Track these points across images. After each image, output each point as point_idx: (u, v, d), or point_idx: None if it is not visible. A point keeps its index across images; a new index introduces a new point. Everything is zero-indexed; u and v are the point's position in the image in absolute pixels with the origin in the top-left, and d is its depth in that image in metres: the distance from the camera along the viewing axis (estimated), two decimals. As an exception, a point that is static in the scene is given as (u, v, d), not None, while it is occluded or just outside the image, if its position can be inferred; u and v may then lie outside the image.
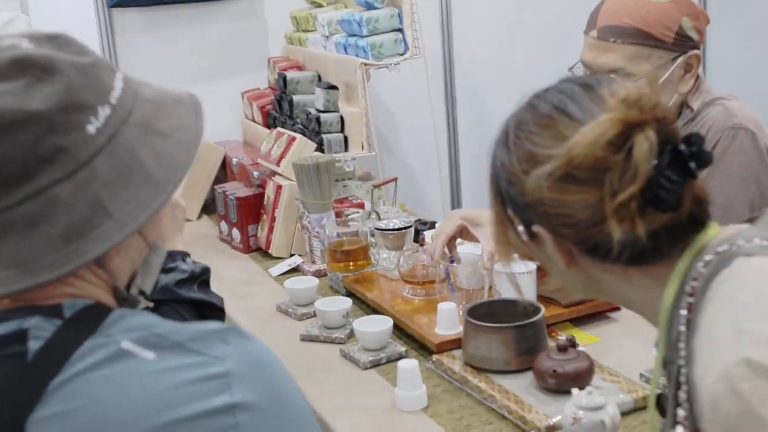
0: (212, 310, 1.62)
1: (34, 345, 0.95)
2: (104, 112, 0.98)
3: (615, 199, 1.04)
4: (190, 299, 1.58)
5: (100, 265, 1.02)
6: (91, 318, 0.98)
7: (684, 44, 1.99)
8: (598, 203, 1.05)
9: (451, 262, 2.01)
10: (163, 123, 1.04)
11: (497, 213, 1.18)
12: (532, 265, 1.96)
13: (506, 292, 1.94)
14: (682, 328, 1.06)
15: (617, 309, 2.01)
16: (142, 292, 1.11)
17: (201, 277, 1.63)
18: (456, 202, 3.69)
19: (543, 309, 1.79)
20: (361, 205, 2.57)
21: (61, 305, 0.98)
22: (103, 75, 1.01)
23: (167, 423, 0.93)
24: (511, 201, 1.14)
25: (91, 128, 0.97)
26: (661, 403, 1.17)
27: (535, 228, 1.12)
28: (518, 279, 1.93)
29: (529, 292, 1.94)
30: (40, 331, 0.96)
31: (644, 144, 1.03)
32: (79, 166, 0.96)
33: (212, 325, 1.01)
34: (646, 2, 1.99)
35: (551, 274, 1.22)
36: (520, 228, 1.14)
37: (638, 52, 1.98)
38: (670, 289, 1.08)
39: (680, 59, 1.99)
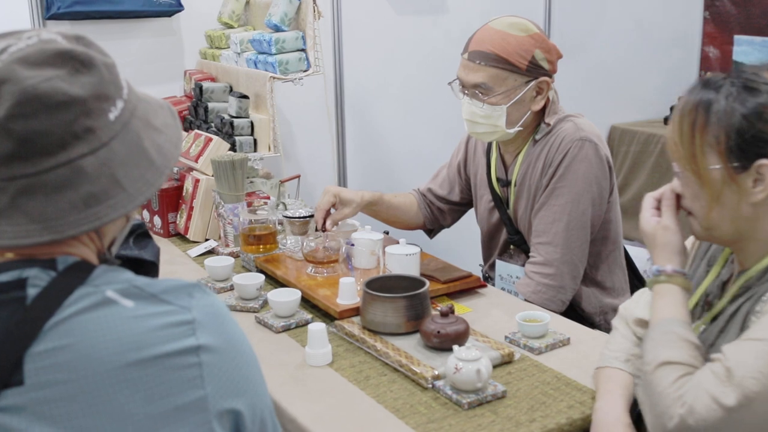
0: (144, 264, 1.58)
1: (32, 291, 0.98)
2: (120, 104, 1.03)
3: None
4: (120, 256, 1.54)
5: (97, 231, 1.06)
6: (81, 271, 1.01)
7: (536, 71, 2.12)
8: None
9: (351, 245, 2.09)
10: (157, 120, 1.09)
11: (706, 153, 1.33)
12: (416, 249, 2.07)
13: (396, 270, 2.02)
14: None
15: (484, 286, 2.14)
16: (113, 256, 1.15)
17: (134, 233, 1.58)
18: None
19: (427, 282, 1.88)
20: (267, 198, 2.62)
21: (55, 259, 1.01)
22: (119, 74, 1.06)
23: (144, 359, 0.97)
24: (754, 136, 1.29)
25: (112, 116, 1.02)
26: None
27: (761, 162, 1.28)
28: (405, 259, 2.03)
29: (413, 270, 2.03)
30: (37, 280, 0.99)
31: None
32: (102, 145, 1.00)
33: (180, 281, 1.06)
34: (507, 35, 2.12)
35: (717, 208, 1.35)
36: (736, 163, 1.30)
37: (498, 74, 2.10)
38: None
39: (532, 83, 2.12)
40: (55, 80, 0.98)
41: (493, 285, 2.36)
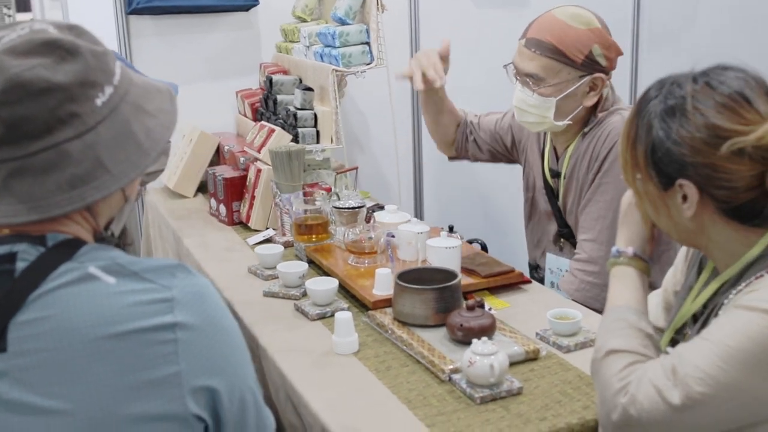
0: None
1: (21, 265, 1.04)
2: (109, 90, 1.08)
3: None
4: None
5: (89, 210, 1.12)
6: (68, 248, 1.07)
7: (591, 67, 2.07)
8: (757, 176, 1.19)
9: (391, 236, 2.10)
10: (150, 105, 1.14)
11: (636, 165, 1.29)
12: (456, 242, 2.06)
13: (436, 263, 2.02)
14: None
15: (528, 282, 2.11)
16: (112, 234, 1.21)
17: None
18: (418, 191, 3.77)
19: (459, 275, 1.87)
20: (328, 189, 2.66)
21: (45, 236, 1.07)
22: (110, 61, 1.11)
23: (119, 333, 1.02)
24: (668, 158, 1.23)
25: (99, 102, 1.07)
26: None
27: (682, 182, 1.23)
28: (445, 252, 2.03)
29: (453, 264, 2.02)
30: (26, 254, 1.05)
31: None
32: (88, 129, 1.06)
33: (165, 260, 1.11)
34: (567, 26, 2.08)
35: (658, 218, 1.32)
36: (659, 178, 1.25)
37: (552, 65, 2.07)
38: (763, 242, 1.24)
39: (586, 78, 2.08)
40: (38, 68, 1.04)
41: (542, 277, 2.32)
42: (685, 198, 1.25)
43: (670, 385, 1.17)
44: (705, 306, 1.35)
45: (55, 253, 1.07)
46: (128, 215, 1.30)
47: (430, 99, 2.46)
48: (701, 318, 1.35)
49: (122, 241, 1.90)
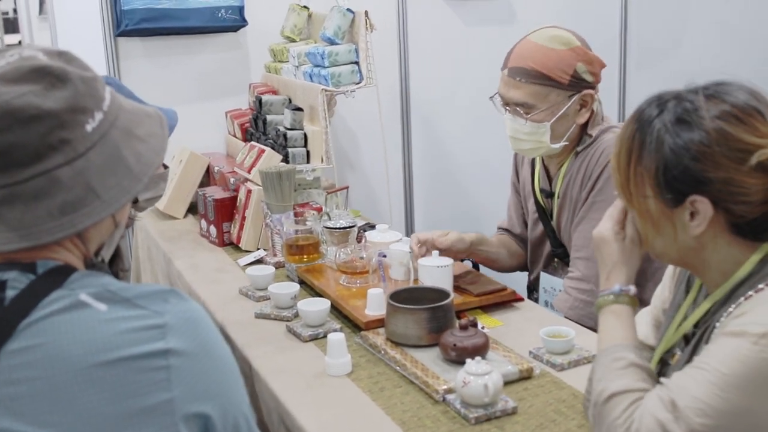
0: None
1: (10, 293, 1.04)
2: (98, 116, 1.08)
3: None
4: None
5: (80, 236, 1.11)
6: (59, 275, 1.07)
7: (578, 85, 2.08)
8: None
9: (383, 256, 2.10)
10: (140, 130, 1.14)
11: (641, 183, 1.27)
12: (448, 261, 2.05)
13: (428, 282, 2.01)
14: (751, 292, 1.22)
15: (521, 300, 2.10)
16: (103, 260, 1.21)
17: None
18: (409, 210, 3.77)
19: (452, 294, 1.87)
20: (319, 209, 2.65)
21: (35, 263, 1.07)
22: (99, 87, 1.11)
23: (111, 360, 1.01)
24: (684, 174, 1.21)
25: (89, 127, 1.07)
26: None
27: (695, 198, 1.21)
28: (437, 271, 2.02)
29: (445, 283, 2.02)
30: (16, 282, 1.05)
31: None
32: (78, 156, 1.05)
33: (157, 286, 1.10)
34: (548, 49, 2.08)
35: (658, 238, 1.30)
36: (669, 196, 1.24)
37: (539, 91, 2.07)
38: (752, 261, 1.24)
39: (575, 97, 2.08)
40: (28, 95, 1.03)
41: (537, 298, 2.32)
42: (692, 215, 1.24)
43: (671, 419, 1.16)
44: (696, 326, 1.35)
45: (46, 281, 1.06)
46: (122, 241, 1.30)
47: (478, 250, 2.29)
48: (693, 339, 1.35)
49: (119, 268, 1.90)
